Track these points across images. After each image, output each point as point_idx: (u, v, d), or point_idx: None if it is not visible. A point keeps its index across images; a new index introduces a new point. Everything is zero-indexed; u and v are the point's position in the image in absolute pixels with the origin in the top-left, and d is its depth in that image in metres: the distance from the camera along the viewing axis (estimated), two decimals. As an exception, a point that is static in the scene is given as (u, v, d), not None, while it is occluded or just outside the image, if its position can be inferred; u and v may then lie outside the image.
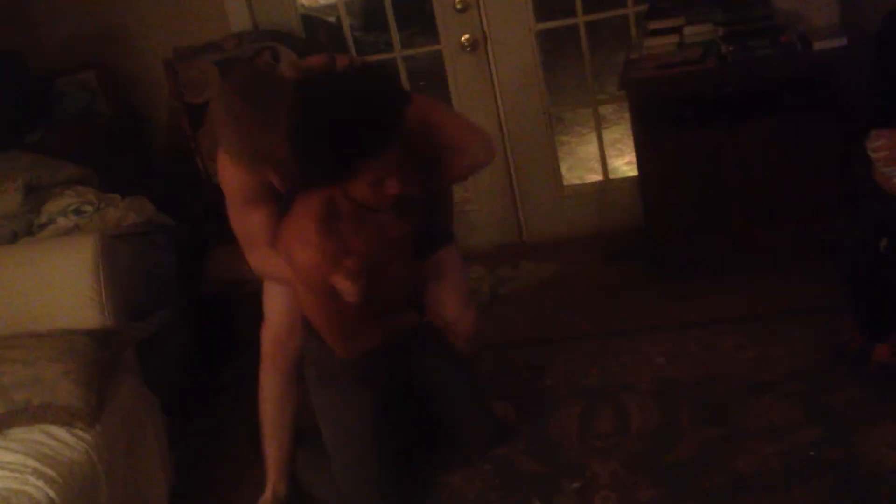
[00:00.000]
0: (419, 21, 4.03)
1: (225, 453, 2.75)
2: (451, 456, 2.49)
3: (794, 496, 2.12)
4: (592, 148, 3.98)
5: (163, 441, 2.50)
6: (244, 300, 2.40)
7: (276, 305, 2.33)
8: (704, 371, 2.64)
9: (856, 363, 2.46)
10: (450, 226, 2.45)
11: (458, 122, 2.23)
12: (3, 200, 2.92)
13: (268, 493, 2.43)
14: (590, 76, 3.57)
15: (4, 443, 2.12)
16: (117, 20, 3.49)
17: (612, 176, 3.76)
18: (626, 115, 3.23)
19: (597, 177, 3.83)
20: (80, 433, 2.16)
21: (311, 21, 3.64)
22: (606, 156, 3.72)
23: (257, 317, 2.40)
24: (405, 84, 3.59)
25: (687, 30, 3.10)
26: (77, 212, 2.91)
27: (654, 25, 3.16)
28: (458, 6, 3.37)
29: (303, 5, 3.71)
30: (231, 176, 2.09)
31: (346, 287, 2.02)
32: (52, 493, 1.99)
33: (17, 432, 2.15)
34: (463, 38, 3.43)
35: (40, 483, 2.00)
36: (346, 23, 3.53)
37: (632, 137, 3.15)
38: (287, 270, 2.13)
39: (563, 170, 3.87)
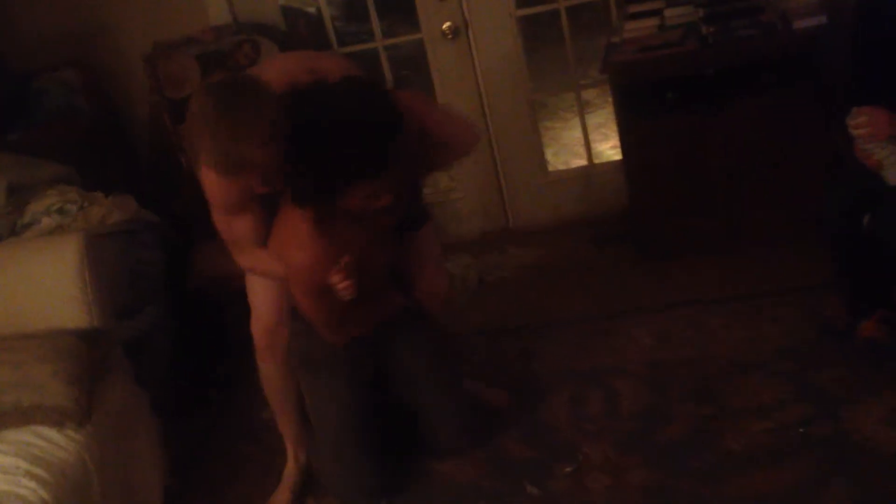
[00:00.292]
0: (400, 10, 4.01)
1: (219, 451, 2.75)
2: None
3: (784, 473, 2.15)
4: (577, 133, 3.99)
5: (155, 440, 2.50)
6: (233, 296, 2.39)
7: (262, 297, 2.34)
8: (693, 351, 2.65)
9: (842, 339, 2.48)
10: (426, 204, 2.49)
11: (442, 115, 2.23)
12: (-14, 201, 2.90)
13: (290, 464, 2.51)
14: (572, 61, 3.57)
15: (-5, 445, 2.11)
16: (96, 16, 3.46)
17: (596, 160, 3.77)
18: (610, 100, 3.23)
19: (582, 162, 3.84)
20: (71, 433, 2.16)
21: (291, 12, 3.61)
22: (591, 140, 3.72)
23: (246, 313, 2.40)
24: (387, 74, 3.58)
25: (667, 12, 3.10)
26: (61, 211, 2.89)
27: (634, 8, 3.16)
28: (439, -6, 3.36)
29: (282, -4, 3.68)
30: (212, 183, 2.05)
31: (343, 285, 2.04)
32: (44, 495, 1.98)
33: (8, 434, 2.14)
34: (444, 26, 3.41)
35: (33, 484, 2.00)
36: (327, 13, 3.51)
37: (616, 122, 3.15)
38: (278, 268, 2.14)
39: (548, 155, 3.87)
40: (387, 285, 2.33)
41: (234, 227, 2.14)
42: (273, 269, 2.18)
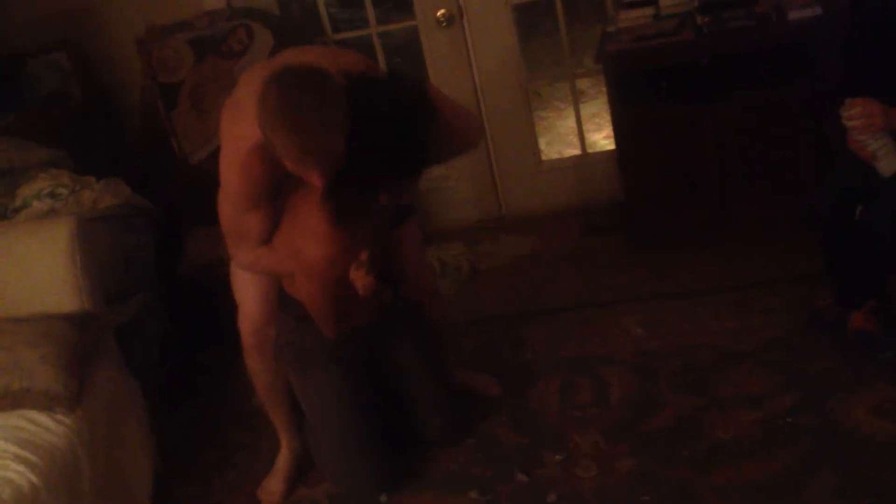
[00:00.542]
0: (394, -4, 4.01)
1: (209, 437, 2.75)
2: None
3: (772, 462, 2.16)
4: (571, 122, 3.99)
5: (145, 426, 2.50)
6: (222, 283, 2.38)
7: (249, 295, 2.31)
8: (683, 341, 2.66)
9: (833, 330, 2.49)
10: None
11: (452, 107, 2.17)
12: (-24, 185, 2.89)
13: (284, 452, 2.50)
14: (567, 50, 3.56)
15: (-16, 429, 2.11)
16: (87, -1, 3.44)
17: (590, 150, 3.77)
18: (605, 90, 3.23)
19: (575, 151, 3.84)
20: (61, 418, 2.15)
21: (285, -3, 3.60)
22: (585, 130, 3.72)
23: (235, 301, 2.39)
24: (380, 62, 3.57)
25: (663, 2, 3.10)
26: (52, 195, 2.88)
27: (629, -2, 3.16)
28: (434, -20, 3.35)
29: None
30: (237, 175, 2.01)
31: (364, 281, 2.05)
32: (33, 478, 1.98)
33: (-3, 418, 2.13)
34: (439, 14, 3.40)
35: (21, 468, 1.99)
36: (321, -1, 3.50)
37: (609, 111, 3.15)
38: (282, 265, 2.12)
39: (542, 145, 3.87)
40: (379, 278, 2.33)
41: (245, 221, 2.09)
42: (275, 266, 2.15)
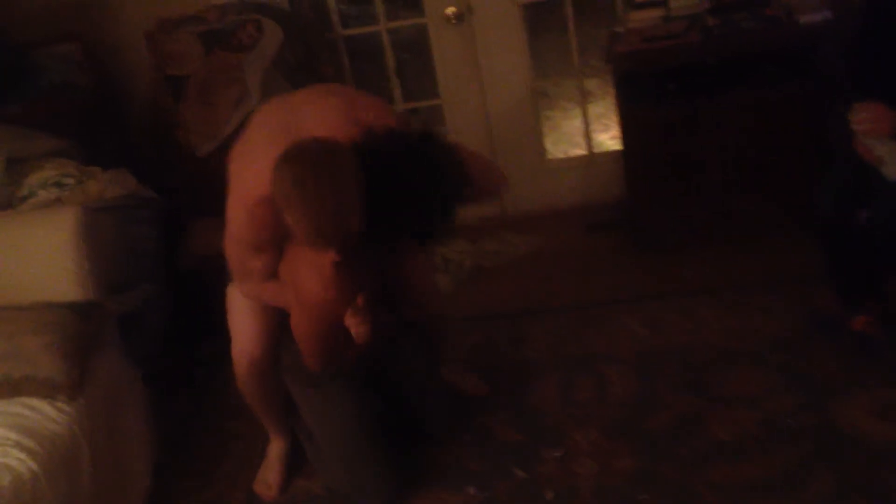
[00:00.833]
0: (404, -7, 4.01)
1: (208, 427, 2.76)
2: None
3: (771, 462, 2.16)
4: (577, 122, 3.98)
5: (145, 415, 2.51)
6: (222, 274, 2.38)
7: (246, 332, 2.27)
8: (684, 340, 2.66)
9: (833, 331, 2.49)
10: None
11: (478, 163, 2.09)
12: (-17, 173, 2.90)
13: (276, 442, 2.50)
14: (575, 50, 3.56)
15: (-15, 415, 2.11)
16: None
17: (596, 150, 3.76)
18: (612, 90, 3.22)
19: (581, 151, 3.83)
20: (62, 406, 2.16)
21: (294, -7, 3.60)
22: (591, 130, 3.72)
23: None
24: (389, 59, 3.57)
25: (673, 3, 3.10)
26: (58, 184, 2.89)
27: (639, -1, 3.16)
28: (443, -22, 3.35)
29: (286, -23, 3.66)
30: (244, 221, 1.96)
31: (359, 328, 2.03)
32: (34, 466, 1.99)
33: (-2, 405, 2.14)
34: (448, 11, 3.40)
35: (23, 456, 2.00)
36: (330, -5, 3.50)
37: (616, 112, 3.15)
38: (285, 298, 2.10)
39: (548, 144, 3.87)
40: (375, 307, 2.23)
41: (251, 262, 2.06)
42: (278, 299, 2.13)
